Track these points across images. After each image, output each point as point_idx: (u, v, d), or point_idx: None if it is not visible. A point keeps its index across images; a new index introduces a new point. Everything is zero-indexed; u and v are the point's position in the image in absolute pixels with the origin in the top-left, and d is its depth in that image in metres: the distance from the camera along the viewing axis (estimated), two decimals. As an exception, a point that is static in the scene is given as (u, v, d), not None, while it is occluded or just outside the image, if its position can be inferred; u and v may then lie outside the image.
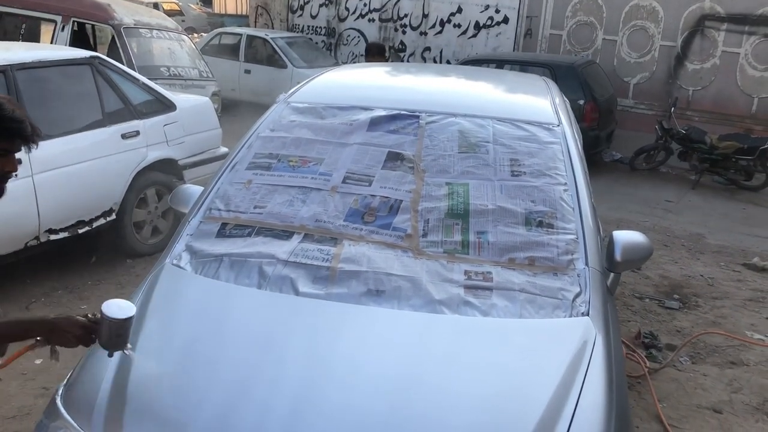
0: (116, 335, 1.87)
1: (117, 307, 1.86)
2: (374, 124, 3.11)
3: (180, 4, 22.09)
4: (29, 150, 1.79)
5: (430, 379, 2.07)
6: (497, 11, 11.89)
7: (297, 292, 2.40)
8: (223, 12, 23.78)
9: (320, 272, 2.47)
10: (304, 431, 1.87)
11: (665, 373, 4.24)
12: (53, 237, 4.68)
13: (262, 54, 12.07)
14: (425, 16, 12.64)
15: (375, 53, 7.08)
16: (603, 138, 9.70)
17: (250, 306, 2.41)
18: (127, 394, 2.01)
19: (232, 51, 12.31)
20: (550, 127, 3.12)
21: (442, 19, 12.47)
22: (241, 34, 12.58)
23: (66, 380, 2.21)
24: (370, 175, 2.88)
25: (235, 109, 10.64)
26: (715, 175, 9.37)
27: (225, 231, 2.72)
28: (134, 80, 5.43)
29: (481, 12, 12.05)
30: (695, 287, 5.72)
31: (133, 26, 7.92)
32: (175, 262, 2.62)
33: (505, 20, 11.84)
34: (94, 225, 4.97)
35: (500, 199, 2.74)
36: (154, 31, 8.21)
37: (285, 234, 2.66)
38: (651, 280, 5.78)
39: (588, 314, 2.36)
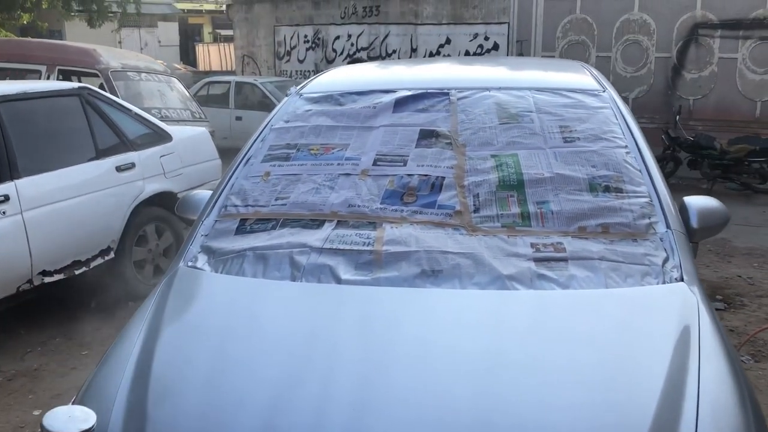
0: None
1: (65, 418, 1.40)
2: (400, 104, 2.79)
3: (165, 63, 22.09)
4: None
5: (517, 357, 1.69)
6: (486, 38, 11.77)
7: (339, 281, 2.03)
8: (208, 69, 23.74)
9: (362, 257, 2.11)
10: (374, 424, 1.49)
11: (731, 372, 3.84)
12: (48, 279, 4.27)
13: (253, 100, 11.84)
14: (414, 50, 12.51)
15: None
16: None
17: (286, 299, 2.04)
18: (148, 408, 1.62)
19: (221, 99, 12.08)
20: (596, 93, 2.83)
21: (431, 52, 12.33)
22: (229, 82, 12.39)
23: (73, 400, 1.82)
24: (404, 154, 2.55)
25: (229, 157, 10.35)
26: (728, 181, 9.07)
27: (245, 227, 2.37)
28: (126, 111, 5.13)
29: (470, 41, 11.92)
30: (736, 287, 5.37)
31: (120, 69, 7.66)
32: (190, 264, 2.25)
33: (495, 47, 11.70)
34: (92, 265, 4.58)
35: (556, 167, 2.41)
36: (143, 74, 7.94)
37: (315, 223, 2.31)
38: (689, 283, 5.41)
39: (682, 279, 2.01)
